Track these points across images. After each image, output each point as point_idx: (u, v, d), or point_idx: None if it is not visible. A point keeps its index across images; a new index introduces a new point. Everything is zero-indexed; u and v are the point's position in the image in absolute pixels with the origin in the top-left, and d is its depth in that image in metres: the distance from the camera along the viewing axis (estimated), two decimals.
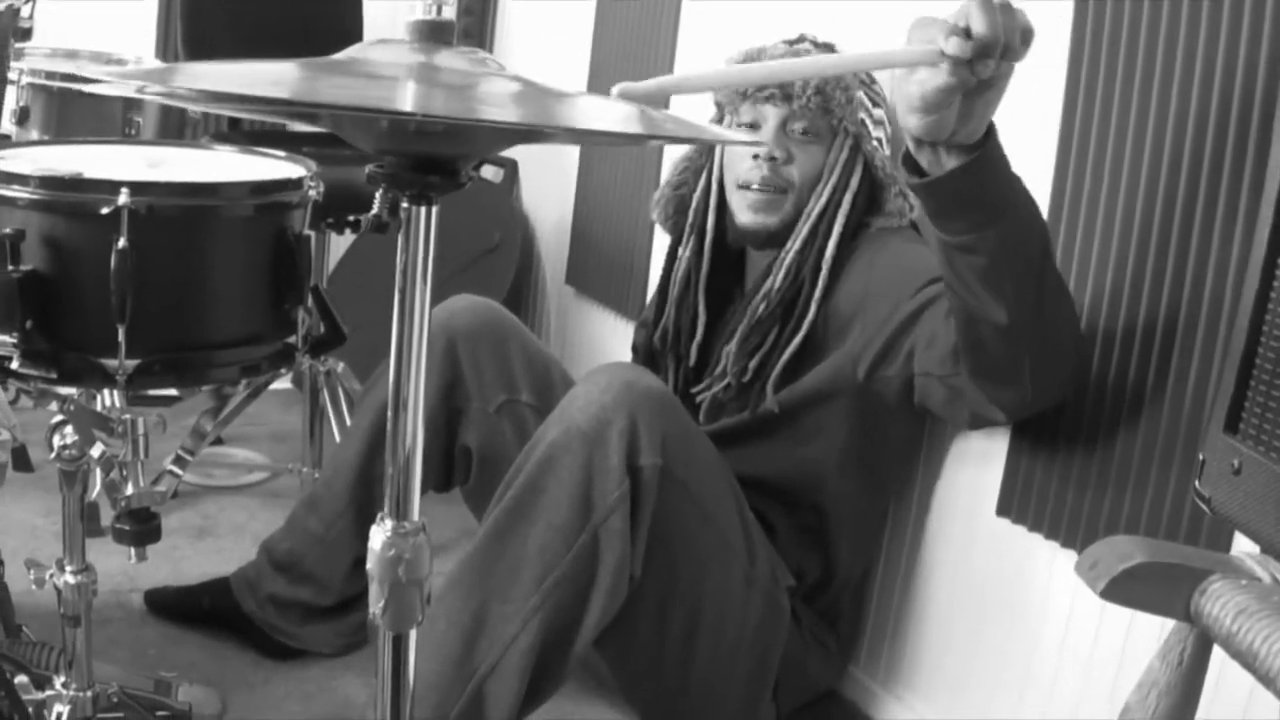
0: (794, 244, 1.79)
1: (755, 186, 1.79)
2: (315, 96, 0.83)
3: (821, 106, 1.76)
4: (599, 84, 2.80)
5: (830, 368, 1.75)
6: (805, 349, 1.77)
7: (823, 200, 1.78)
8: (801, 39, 1.85)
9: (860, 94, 1.79)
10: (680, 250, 1.93)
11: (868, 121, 1.79)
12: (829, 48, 1.83)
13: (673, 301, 1.93)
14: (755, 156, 1.78)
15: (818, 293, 1.76)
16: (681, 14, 2.54)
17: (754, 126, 1.81)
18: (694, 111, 1.87)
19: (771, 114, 1.78)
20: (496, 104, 0.89)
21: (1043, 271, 1.40)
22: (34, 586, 1.52)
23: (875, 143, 1.80)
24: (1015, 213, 1.35)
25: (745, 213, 1.82)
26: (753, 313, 1.80)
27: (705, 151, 1.91)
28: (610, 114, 0.92)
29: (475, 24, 3.48)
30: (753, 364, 1.80)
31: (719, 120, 1.90)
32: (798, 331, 1.77)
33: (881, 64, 1.52)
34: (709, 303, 1.91)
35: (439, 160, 0.89)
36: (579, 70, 2.92)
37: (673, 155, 1.98)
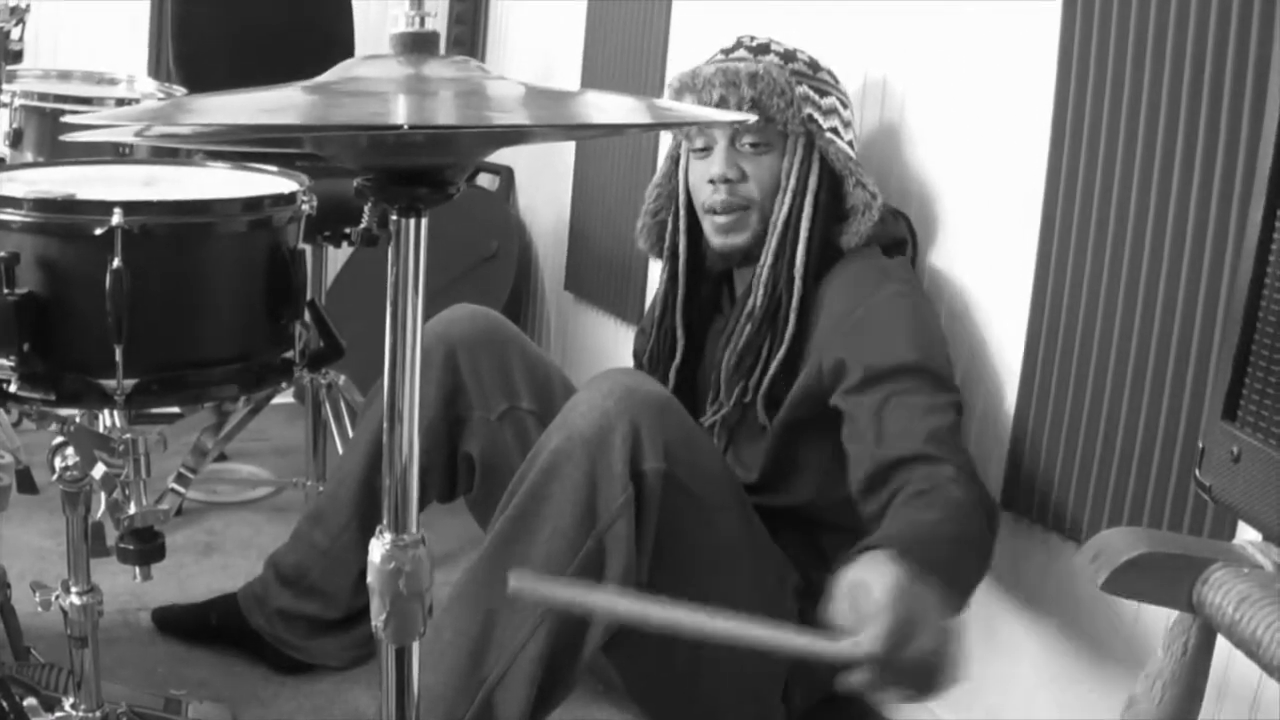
0: (766, 259, 1.79)
1: (718, 210, 1.79)
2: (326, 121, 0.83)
3: (763, 117, 1.75)
4: (592, 88, 2.80)
5: (804, 397, 1.75)
6: (794, 363, 1.77)
7: (785, 209, 1.77)
8: (738, 45, 1.82)
9: (803, 89, 1.76)
10: (662, 270, 1.94)
11: (816, 115, 1.77)
12: (764, 49, 1.80)
13: (654, 324, 1.95)
14: (711, 181, 1.79)
15: (795, 302, 1.76)
16: (672, 16, 2.55)
17: (706, 150, 1.80)
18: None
19: (719, 135, 1.78)
20: (499, 108, 0.89)
21: None
22: (40, 608, 1.52)
23: (830, 134, 1.78)
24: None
25: (715, 236, 1.83)
26: (740, 334, 1.81)
27: (673, 173, 1.91)
28: (608, 108, 0.92)
29: (467, 33, 3.49)
30: (751, 383, 1.80)
31: (677, 146, 1.90)
32: (781, 344, 1.77)
33: (778, 646, 1.09)
34: (698, 319, 1.92)
35: (426, 171, 0.89)
36: (571, 75, 2.93)
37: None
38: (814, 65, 1.82)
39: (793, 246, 1.77)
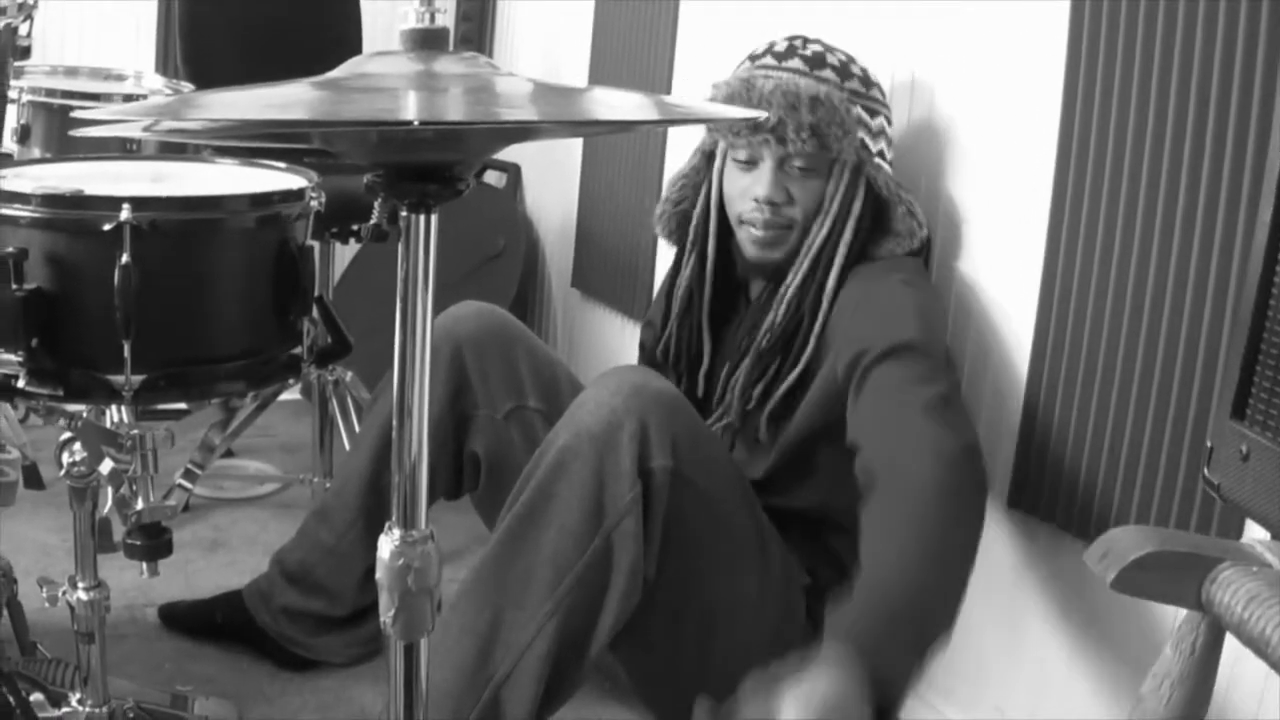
0: (794, 278, 1.75)
1: (758, 228, 1.76)
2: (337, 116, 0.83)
3: (819, 145, 1.71)
4: (599, 84, 2.80)
5: (820, 402, 1.72)
6: (804, 381, 1.75)
7: (824, 232, 1.74)
8: (791, 52, 1.76)
9: (857, 111, 1.73)
10: (683, 267, 1.90)
11: (867, 140, 1.74)
12: (820, 61, 1.74)
13: (675, 318, 1.90)
14: (755, 200, 1.75)
15: (817, 326, 1.73)
16: (680, 14, 2.55)
17: (750, 163, 1.76)
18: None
19: (768, 153, 1.73)
20: (508, 104, 0.89)
21: None
22: (47, 604, 1.53)
23: (878, 159, 1.76)
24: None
25: (750, 247, 1.79)
26: (756, 347, 1.78)
27: (702, 168, 1.88)
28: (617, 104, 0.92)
29: (474, 30, 3.49)
30: (756, 392, 1.78)
31: (712, 143, 1.85)
32: (796, 364, 1.74)
33: None
34: (709, 322, 1.89)
35: (436, 167, 0.89)
36: (579, 72, 2.93)
37: (672, 159, 1.97)
38: (866, 81, 1.78)
39: (825, 271, 1.74)
